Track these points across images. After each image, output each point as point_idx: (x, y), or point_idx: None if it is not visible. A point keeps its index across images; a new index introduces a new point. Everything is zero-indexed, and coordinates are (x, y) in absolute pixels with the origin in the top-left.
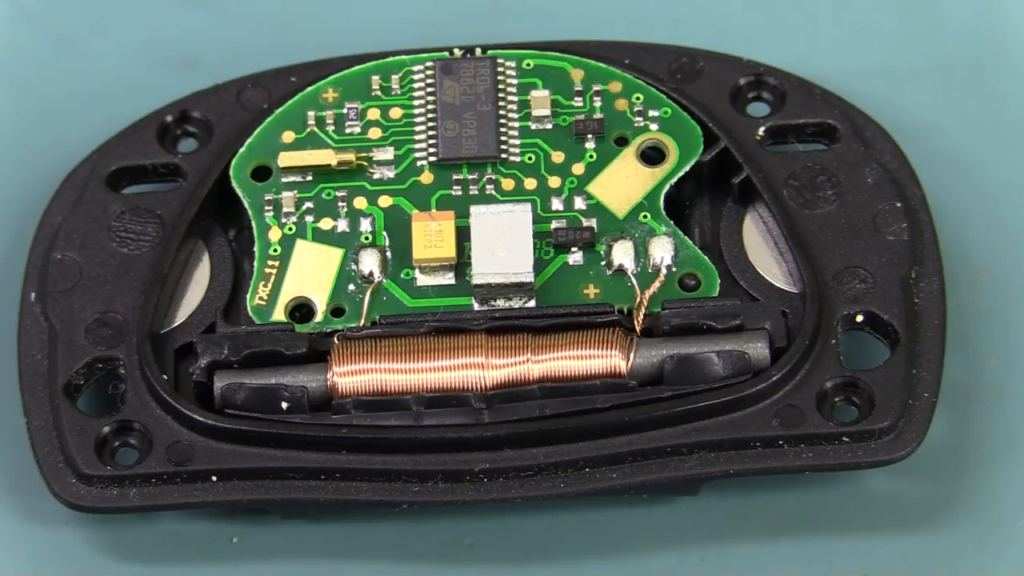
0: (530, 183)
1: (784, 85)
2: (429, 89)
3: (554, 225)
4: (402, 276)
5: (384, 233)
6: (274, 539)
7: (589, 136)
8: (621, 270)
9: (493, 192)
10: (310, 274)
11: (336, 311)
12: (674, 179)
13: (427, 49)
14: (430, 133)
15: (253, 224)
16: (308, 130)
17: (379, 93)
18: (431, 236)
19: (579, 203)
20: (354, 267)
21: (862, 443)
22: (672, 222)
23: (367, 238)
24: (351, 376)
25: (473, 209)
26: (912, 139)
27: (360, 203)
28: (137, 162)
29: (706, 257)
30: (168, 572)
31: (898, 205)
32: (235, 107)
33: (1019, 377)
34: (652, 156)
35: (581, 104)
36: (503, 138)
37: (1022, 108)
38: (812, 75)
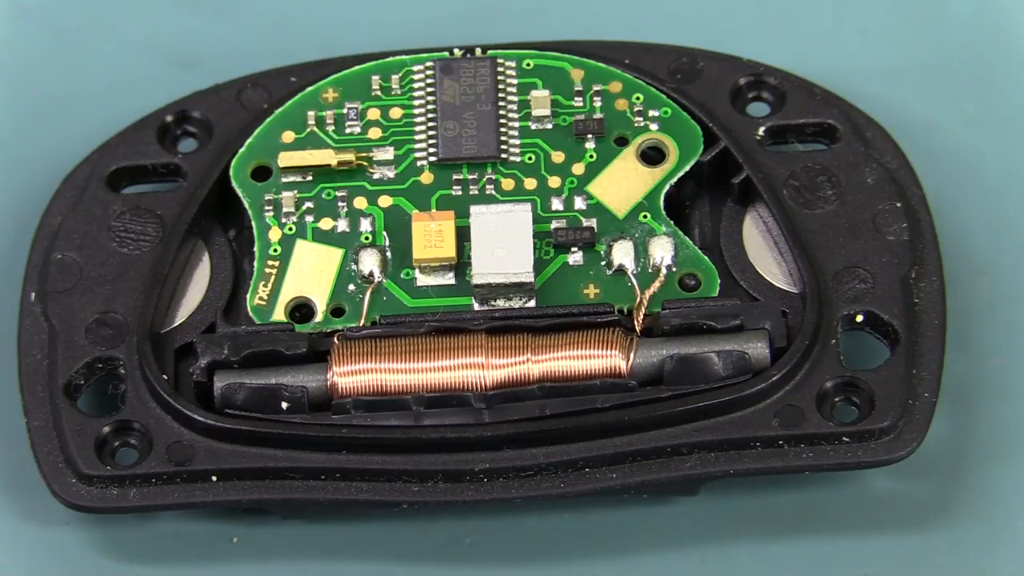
0: (530, 183)
1: (784, 85)
2: (429, 89)
3: (554, 225)
4: (402, 276)
5: (384, 233)
6: (274, 539)
7: (589, 136)
8: (621, 270)
9: (493, 192)
10: (310, 274)
11: (336, 311)
12: (674, 179)
13: (427, 49)
14: (430, 133)
15: (253, 224)
16: (308, 130)
17: (379, 93)
18: (431, 236)
19: (579, 203)
20: (354, 267)
21: (862, 443)
22: (672, 222)
23: (367, 238)
24: (351, 376)
25: (473, 209)
26: (912, 139)
27: (360, 203)
28: (137, 162)
29: (706, 257)
30: (168, 572)
31: (898, 205)
32: (235, 107)
33: (1019, 377)
34: (652, 156)
35: (581, 104)
36: (503, 138)
37: (1022, 108)
38: (812, 75)
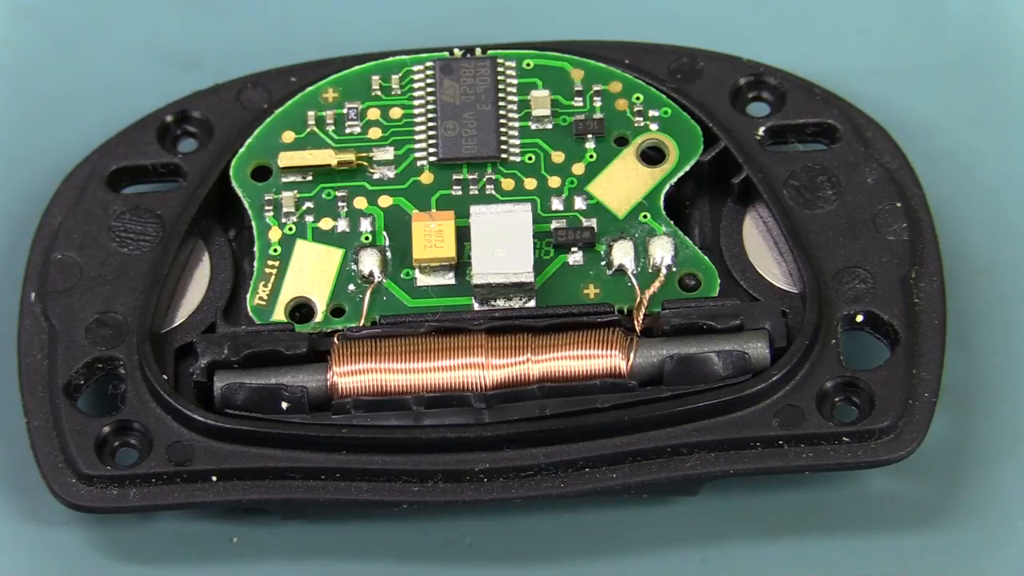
0: (530, 183)
1: (784, 85)
2: (429, 89)
3: (554, 225)
4: (402, 276)
5: (384, 233)
6: (274, 539)
7: (589, 136)
8: (621, 270)
9: (493, 192)
10: (310, 274)
11: (336, 311)
12: (674, 179)
13: (427, 49)
14: (430, 133)
15: (253, 224)
16: (308, 130)
17: (379, 93)
18: (431, 236)
19: (579, 203)
20: (354, 267)
21: (862, 443)
22: (672, 222)
23: (367, 238)
24: (351, 376)
25: (473, 209)
26: (912, 139)
27: (360, 203)
28: (137, 162)
29: (706, 257)
30: (168, 572)
31: (898, 205)
32: (235, 107)
33: (1019, 377)
34: (652, 156)
35: (581, 104)
36: (503, 138)
37: (1022, 108)
38: (812, 75)
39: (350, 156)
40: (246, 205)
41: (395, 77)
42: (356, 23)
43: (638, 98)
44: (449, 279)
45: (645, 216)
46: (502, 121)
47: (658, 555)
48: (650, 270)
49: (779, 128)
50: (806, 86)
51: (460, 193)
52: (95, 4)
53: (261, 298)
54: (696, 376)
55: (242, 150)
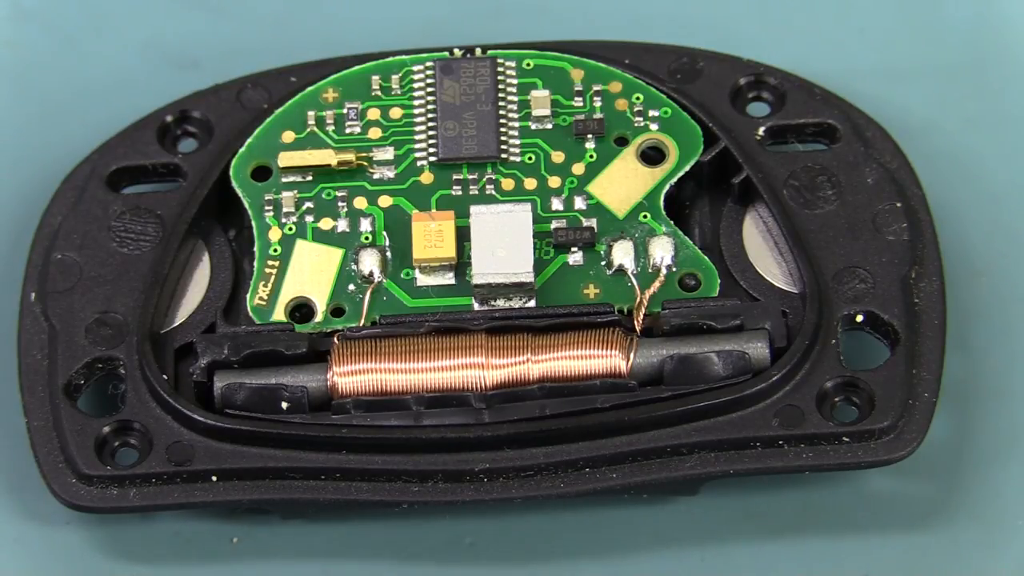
0: (530, 183)
1: (784, 85)
2: (429, 89)
3: (554, 225)
4: (402, 276)
5: (384, 233)
6: (274, 539)
7: (589, 136)
8: (621, 270)
9: (493, 192)
10: (310, 274)
11: (336, 311)
12: (674, 179)
13: (427, 49)
14: (430, 133)
15: (253, 224)
16: (308, 130)
17: (379, 93)
18: (431, 236)
19: (579, 203)
20: (354, 267)
21: (862, 443)
22: (672, 222)
23: (367, 238)
24: (351, 376)
25: (473, 209)
26: (912, 139)
27: (360, 203)
28: (137, 162)
29: (706, 257)
30: (168, 572)
31: (898, 205)
32: (235, 107)
33: (1019, 377)
34: (652, 156)
35: (581, 104)
36: (503, 138)
37: (1022, 108)
38: (812, 75)
39: (350, 156)
40: (246, 205)
41: (395, 77)
42: (356, 23)
43: (638, 98)
44: (449, 279)
45: (645, 216)
46: (502, 121)
47: (658, 555)
48: (650, 270)
49: (779, 128)
50: (806, 86)
51: (460, 193)
52: (95, 4)
53: (261, 298)
54: (696, 376)
55: (242, 150)
